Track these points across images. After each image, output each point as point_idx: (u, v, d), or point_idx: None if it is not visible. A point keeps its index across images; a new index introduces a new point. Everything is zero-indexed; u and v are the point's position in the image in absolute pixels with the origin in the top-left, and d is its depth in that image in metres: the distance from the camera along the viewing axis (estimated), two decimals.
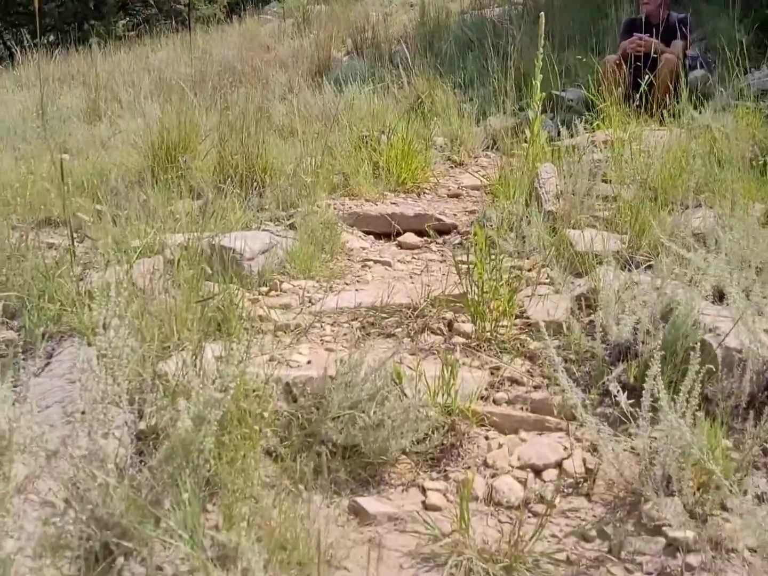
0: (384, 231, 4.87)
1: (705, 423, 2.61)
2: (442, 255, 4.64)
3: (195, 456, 2.05)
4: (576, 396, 2.64)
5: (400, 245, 4.78)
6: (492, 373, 3.19)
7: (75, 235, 3.99)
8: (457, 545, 2.24)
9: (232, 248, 3.82)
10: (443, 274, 4.16)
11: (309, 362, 3.05)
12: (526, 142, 5.65)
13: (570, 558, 2.27)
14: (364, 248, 4.65)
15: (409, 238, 4.81)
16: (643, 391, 2.53)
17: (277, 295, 3.73)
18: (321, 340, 3.32)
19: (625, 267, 3.97)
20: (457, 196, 5.68)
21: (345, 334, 3.41)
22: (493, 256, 3.47)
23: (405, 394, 2.78)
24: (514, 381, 3.15)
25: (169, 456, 2.02)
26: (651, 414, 2.58)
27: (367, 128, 6.12)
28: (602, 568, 2.25)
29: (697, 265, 3.54)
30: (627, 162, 5.11)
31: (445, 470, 2.72)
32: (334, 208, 5.01)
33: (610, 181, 5.14)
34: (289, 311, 3.57)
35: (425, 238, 4.84)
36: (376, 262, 4.39)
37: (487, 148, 6.74)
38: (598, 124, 6.18)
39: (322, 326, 3.45)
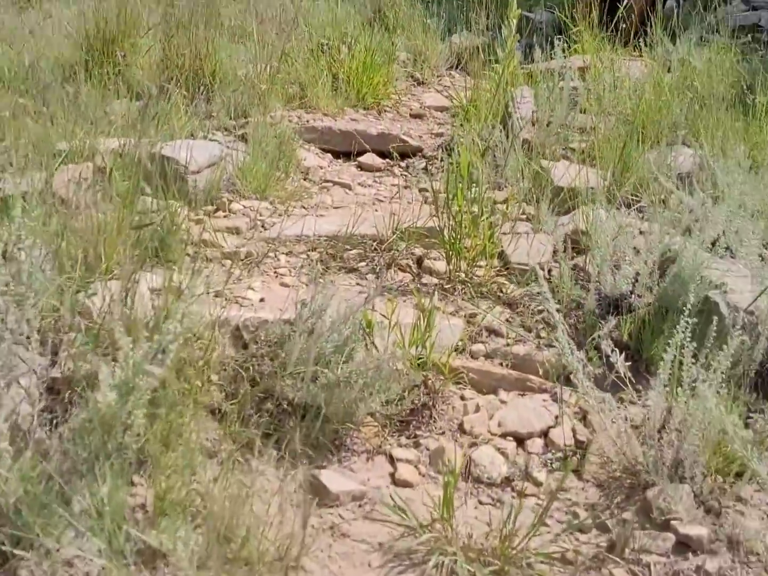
0: (343, 149, 4.31)
1: (714, 397, 2.22)
2: (407, 180, 4.13)
3: (119, 432, 1.55)
4: (573, 357, 2.22)
5: (361, 166, 4.24)
6: (468, 322, 2.74)
7: None
8: (438, 540, 1.81)
9: (174, 159, 3.24)
10: (409, 202, 3.66)
11: (262, 300, 2.55)
12: (497, 62, 5.13)
13: (566, 556, 1.87)
14: (321, 167, 4.10)
15: (371, 158, 4.28)
16: (661, 362, 2.11)
17: (225, 216, 3.19)
18: (275, 273, 2.82)
19: (611, 207, 3.54)
20: (420, 116, 5.13)
21: (303, 267, 2.90)
22: (473, 186, 2.99)
23: (375, 347, 2.32)
24: (492, 331, 2.71)
25: (85, 429, 1.53)
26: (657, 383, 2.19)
27: (327, 36, 5.48)
28: (604, 570, 1.86)
29: (693, 210, 3.13)
30: (606, 92, 4.62)
31: (416, 435, 2.28)
32: (290, 121, 4.42)
33: (586, 111, 4.67)
34: (239, 236, 3.04)
35: (387, 160, 4.31)
36: (335, 183, 3.86)
37: (452, 67, 6.16)
38: (575, 49, 5.66)
39: (276, 256, 2.94)
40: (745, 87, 4.77)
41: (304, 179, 3.91)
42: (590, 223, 3.05)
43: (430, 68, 6.00)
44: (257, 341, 2.27)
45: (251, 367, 2.21)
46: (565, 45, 5.76)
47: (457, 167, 2.96)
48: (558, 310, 2.78)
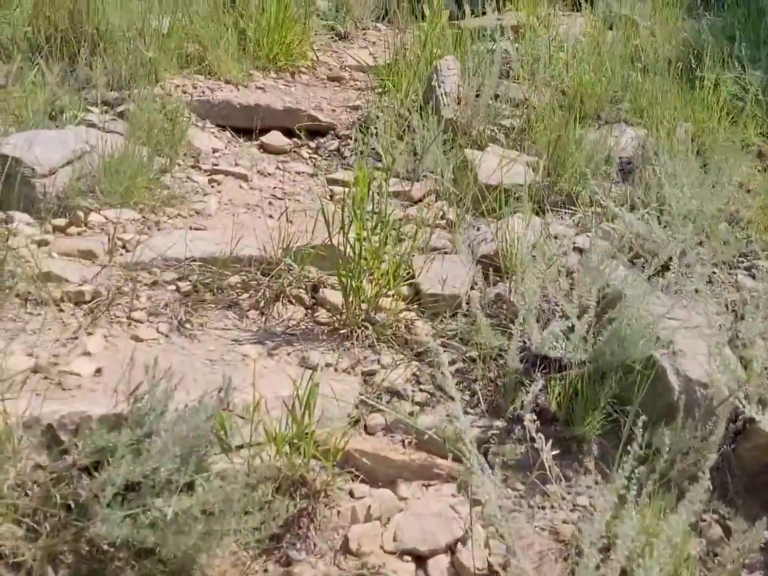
0: (245, 126, 3.61)
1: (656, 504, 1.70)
2: (315, 166, 3.46)
3: None
4: (476, 465, 1.64)
5: (264, 147, 3.55)
6: (366, 381, 2.16)
7: None
8: None
9: (18, 159, 2.53)
10: (311, 202, 3.03)
11: (98, 372, 1.90)
12: (423, 18, 4.42)
13: None
14: (216, 150, 3.40)
15: (276, 138, 3.59)
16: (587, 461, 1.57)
17: (79, 234, 2.50)
18: (129, 320, 2.17)
19: (540, 208, 2.96)
20: (338, 79, 4.41)
21: (167, 305, 2.26)
22: (377, 207, 2.36)
23: (231, 448, 1.73)
24: (395, 393, 2.14)
25: None
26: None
27: None
28: None
29: (634, 228, 2.57)
30: (542, 64, 3.96)
31: (288, 559, 1.71)
32: (184, 92, 3.68)
33: (520, 78, 4.03)
34: (94, 262, 2.37)
35: (295, 139, 3.62)
36: (228, 174, 3.18)
37: (378, 18, 5.40)
38: (510, 2, 4.96)
39: (135, 291, 2.29)
40: (692, 57, 4.15)
41: (192, 166, 3.22)
42: (514, 252, 2.46)
43: (353, 20, 5.24)
44: (77, 445, 1.66)
45: (66, 488, 1.60)
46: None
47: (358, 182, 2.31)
48: (475, 360, 2.24)
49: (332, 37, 5.03)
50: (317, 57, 4.58)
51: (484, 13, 4.92)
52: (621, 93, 4.00)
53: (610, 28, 4.82)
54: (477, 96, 3.67)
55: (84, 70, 3.58)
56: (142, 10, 3.94)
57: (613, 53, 4.25)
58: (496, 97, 3.77)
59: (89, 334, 2.03)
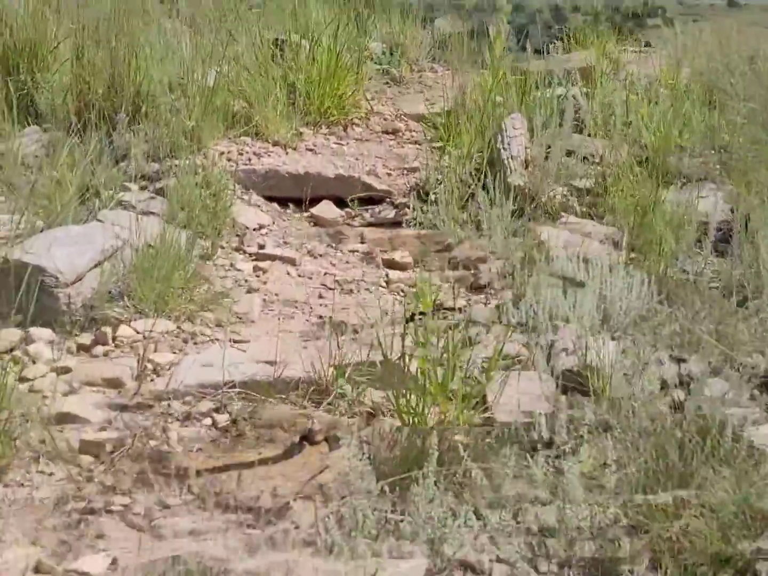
0: (294, 196, 3.25)
1: None
2: (370, 247, 3.07)
3: None
4: None
5: (314, 220, 3.19)
6: (433, 549, 1.76)
7: None
8: None
9: (38, 266, 2.20)
10: (367, 292, 2.65)
11: (113, 566, 1.54)
12: (484, 64, 4.01)
13: None
14: (262, 226, 3.06)
15: (327, 209, 3.23)
16: None
17: (105, 354, 2.16)
18: (156, 473, 1.81)
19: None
20: (394, 132, 4.03)
21: (202, 450, 1.90)
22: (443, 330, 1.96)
23: None
24: (468, 566, 1.73)
25: None
26: None
27: (283, 29, 4.32)
28: None
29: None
30: (617, 113, 3.51)
31: None
32: (229, 159, 3.35)
33: (592, 132, 3.60)
34: (118, 392, 2.03)
35: (348, 209, 3.25)
36: (274, 259, 2.82)
37: (435, 58, 5.00)
38: (575, 38, 4.53)
39: (164, 429, 1.93)
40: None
41: (236, 249, 2.87)
42: (604, 372, 2.03)
43: (408, 62, 4.85)
44: None
45: None
46: (565, 36, 4.67)
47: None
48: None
49: (386, 82, 4.64)
50: (371, 107, 4.20)
51: (548, 53, 4.49)
52: (704, 144, 3.54)
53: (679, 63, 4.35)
54: (546, 155, 3.25)
55: (123, 138, 3.27)
56: (185, 69, 3.61)
57: (692, 98, 3.78)
58: (568, 153, 3.35)
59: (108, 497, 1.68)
